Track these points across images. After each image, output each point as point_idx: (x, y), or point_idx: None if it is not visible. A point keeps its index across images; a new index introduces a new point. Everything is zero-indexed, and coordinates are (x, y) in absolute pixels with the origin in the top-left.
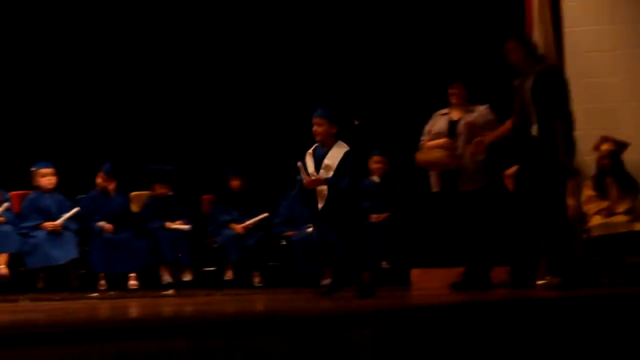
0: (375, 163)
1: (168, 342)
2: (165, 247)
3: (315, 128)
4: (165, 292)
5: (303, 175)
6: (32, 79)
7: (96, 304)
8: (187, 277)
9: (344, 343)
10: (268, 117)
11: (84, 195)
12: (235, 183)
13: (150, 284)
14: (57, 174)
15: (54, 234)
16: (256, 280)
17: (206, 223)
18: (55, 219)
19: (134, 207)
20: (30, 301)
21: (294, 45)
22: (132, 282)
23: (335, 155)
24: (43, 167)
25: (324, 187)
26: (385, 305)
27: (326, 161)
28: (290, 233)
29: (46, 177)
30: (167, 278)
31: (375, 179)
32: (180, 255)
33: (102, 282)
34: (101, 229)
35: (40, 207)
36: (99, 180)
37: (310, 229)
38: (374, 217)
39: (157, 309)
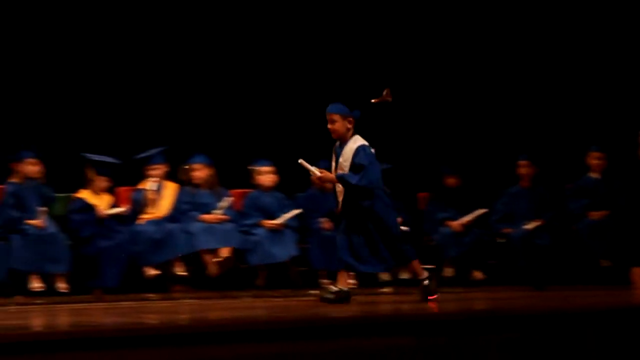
0: (594, 159)
1: (387, 339)
2: None
3: (329, 126)
4: (382, 290)
5: (311, 173)
6: (249, 80)
7: (316, 301)
8: (404, 275)
9: (566, 341)
10: (484, 115)
11: (302, 193)
12: (451, 180)
13: (368, 282)
14: (277, 172)
15: (275, 231)
16: (478, 275)
17: (422, 220)
18: (274, 217)
19: None
20: (251, 298)
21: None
22: (351, 281)
23: (347, 152)
24: (263, 165)
25: (339, 186)
26: (606, 304)
27: (340, 159)
28: (508, 230)
29: (266, 175)
30: (384, 276)
31: (595, 175)
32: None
33: (325, 280)
34: (320, 226)
35: (260, 205)
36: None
37: (529, 226)
38: (594, 215)
39: (375, 306)
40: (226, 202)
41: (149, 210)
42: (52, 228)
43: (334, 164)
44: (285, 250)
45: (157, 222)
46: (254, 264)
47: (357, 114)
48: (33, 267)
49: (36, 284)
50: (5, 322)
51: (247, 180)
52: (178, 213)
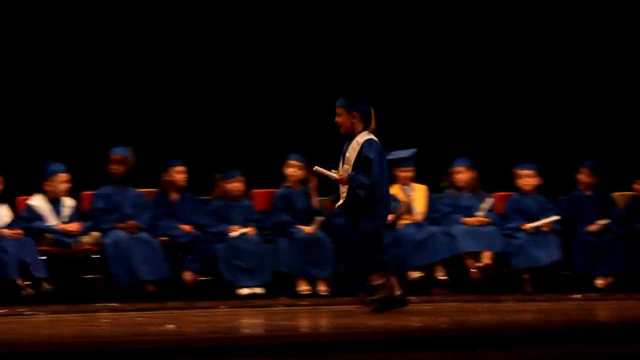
0: None
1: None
2: None
3: (336, 119)
4: None
5: (330, 176)
6: (511, 84)
7: (582, 305)
8: None
9: None
10: None
11: (565, 197)
12: None
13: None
14: (539, 175)
15: (538, 234)
16: None
17: None
18: (537, 221)
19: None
20: (514, 302)
21: None
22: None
23: (354, 146)
24: (525, 168)
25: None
26: None
27: (347, 154)
28: None
29: (528, 178)
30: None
31: None
32: None
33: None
34: (585, 230)
35: (522, 208)
36: (582, 177)
37: None
38: None
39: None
40: (488, 203)
41: (402, 213)
42: (319, 232)
43: (341, 158)
44: (548, 254)
45: (418, 224)
46: (517, 267)
47: (362, 108)
48: (299, 270)
49: (303, 287)
50: (273, 322)
51: (509, 183)
52: (440, 216)
